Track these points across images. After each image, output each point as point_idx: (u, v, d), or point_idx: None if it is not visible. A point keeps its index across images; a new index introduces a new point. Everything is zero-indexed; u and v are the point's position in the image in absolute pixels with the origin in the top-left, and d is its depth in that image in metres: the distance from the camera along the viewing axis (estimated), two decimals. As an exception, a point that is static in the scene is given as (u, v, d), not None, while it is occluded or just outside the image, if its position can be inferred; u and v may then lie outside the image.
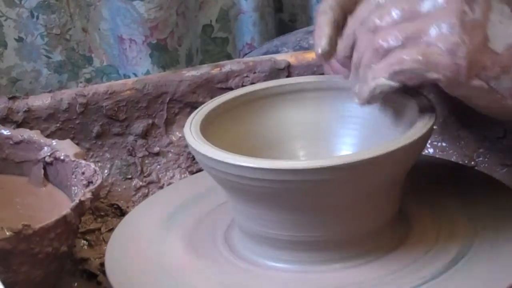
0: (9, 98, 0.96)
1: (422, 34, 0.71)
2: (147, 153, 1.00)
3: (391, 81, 0.72)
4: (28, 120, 0.96)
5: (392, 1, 0.75)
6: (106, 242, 0.88)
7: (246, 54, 1.53)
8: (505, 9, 0.73)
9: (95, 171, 0.81)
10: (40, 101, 0.96)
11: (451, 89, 0.72)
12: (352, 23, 0.78)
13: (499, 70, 0.70)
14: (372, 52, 0.73)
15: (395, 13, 0.73)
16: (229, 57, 1.58)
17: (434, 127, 0.75)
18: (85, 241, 0.92)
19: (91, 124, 0.98)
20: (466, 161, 0.97)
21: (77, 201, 0.77)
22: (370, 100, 0.74)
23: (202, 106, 0.83)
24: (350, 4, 0.80)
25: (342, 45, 0.78)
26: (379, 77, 0.72)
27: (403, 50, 0.71)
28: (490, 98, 0.72)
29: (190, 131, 0.78)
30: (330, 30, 0.79)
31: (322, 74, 0.98)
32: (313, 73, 0.99)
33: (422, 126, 0.73)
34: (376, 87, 0.73)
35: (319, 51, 0.79)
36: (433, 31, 0.71)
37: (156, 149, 1.00)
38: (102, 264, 0.86)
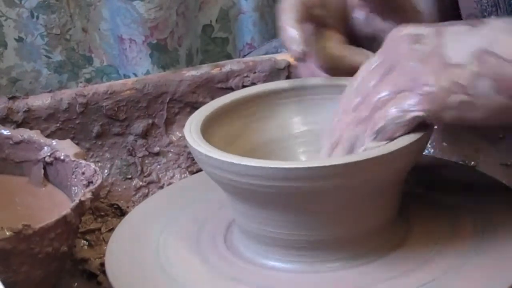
0: (9, 98, 0.96)
1: (389, 89, 0.73)
2: (147, 153, 1.00)
3: (378, 141, 0.73)
4: (28, 120, 0.95)
5: (357, 90, 0.77)
6: (106, 242, 0.88)
7: (245, 55, 1.53)
8: (460, 29, 0.74)
9: (95, 171, 0.81)
10: (40, 101, 0.96)
11: (440, 117, 0.72)
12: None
13: (470, 78, 0.71)
14: (352, 129, 0.76)
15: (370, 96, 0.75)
16: (229, 57, 1.58)
17: (435, 127, 0.75)
18: (85, 241, 0.92)
19: (91, 124, 0.98)
20: (466, 161, 0.97)
21: (77, 201, 0.77)
22: None
23: (202, 107, 0.83)
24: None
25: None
26: (366, 142, 0.74)
27: (380, 111, 0.73)
28: (484, 108, 0.72)
29: (190, 132, 0.78)
30: (299, 33, 0.83)
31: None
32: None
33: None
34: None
35: (295, 56, 0.83)
36: (398, 80, 0.73)
37: (156, 149, 1.00)
38: (102, 264, 0.86)
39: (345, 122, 0.76)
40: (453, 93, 0.71)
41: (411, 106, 0.72)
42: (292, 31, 0.83)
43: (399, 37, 0.75)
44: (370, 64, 0.77)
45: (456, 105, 0.71)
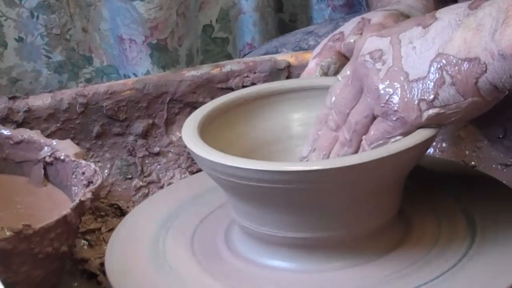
0: (9, 98, 0.96)
1: (366, 113, 0.75)
2: (147, 153, 1.00)
3: None
4: (28, 120, 0.96)
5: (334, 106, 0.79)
6: (106, 242, 0.88)
7: (245, 54, 1.53)
8: (413, 33, 0.74)
9: (95, 171, 0.81)
10: (40, 101, 0.96)
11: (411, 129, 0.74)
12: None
13: (433, 90, 0.71)
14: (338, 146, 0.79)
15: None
16: (229, 57, 1.58)
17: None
18: (85, 241, 0.92)
19: (91, 124, 0.98)
20: (466, 161, 0.97)
21: (77, 201, 0.77)
22: None
23: (200, 107, 0.83)
24: None
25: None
26: None
27: (363, 136, 0.76)
28: (457, 112, 0.72)
29: (188, 133, 0.78)
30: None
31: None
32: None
33: (426, 130, 0.73)
34: None
35: None
36: (371, 104, 0.75)
37: (156, 149, 1.00)
38: (102, 264, 0.86)
39: (326, 137, 0.79)
40: (422, 111, 0.72)
41: (388, 133, 0.73)
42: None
43: (363, 58, 0.76)
44: (344, 79, 0.78)
45: (429, 120, 0.72)
